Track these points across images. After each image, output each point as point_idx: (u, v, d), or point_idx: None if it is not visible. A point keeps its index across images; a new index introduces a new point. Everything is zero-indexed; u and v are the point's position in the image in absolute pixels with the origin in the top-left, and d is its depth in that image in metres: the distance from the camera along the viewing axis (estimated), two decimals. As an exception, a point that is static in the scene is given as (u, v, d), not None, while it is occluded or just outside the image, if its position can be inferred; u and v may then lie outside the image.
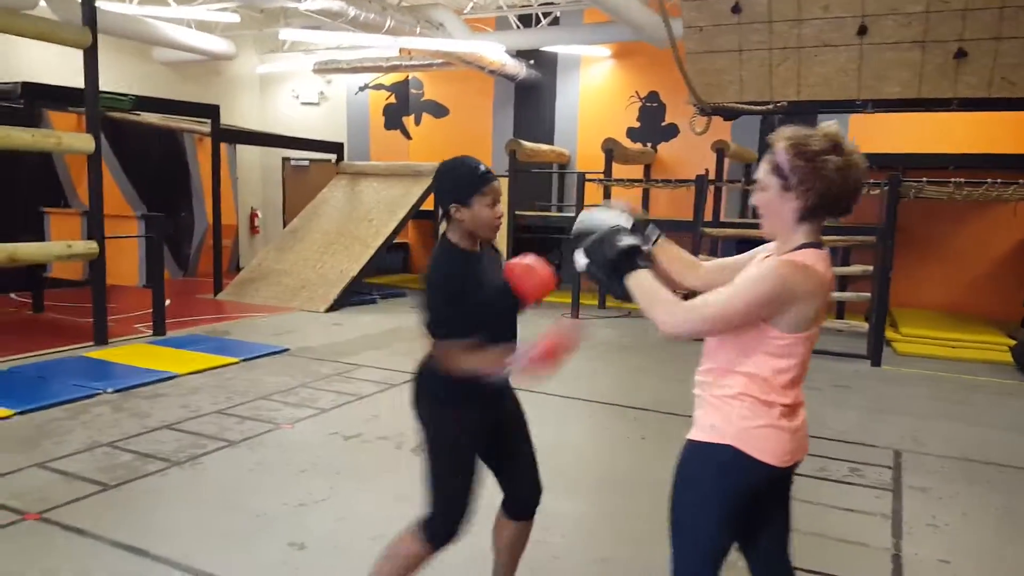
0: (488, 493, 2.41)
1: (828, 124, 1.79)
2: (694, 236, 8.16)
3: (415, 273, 12.76)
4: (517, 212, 10.21)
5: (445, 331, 2.15)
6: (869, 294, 7.23)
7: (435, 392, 2.27)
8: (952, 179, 6.50)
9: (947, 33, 4.89)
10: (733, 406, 1.80)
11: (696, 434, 1.87)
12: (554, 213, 11.70)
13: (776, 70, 5.45)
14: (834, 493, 3.84)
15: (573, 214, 11.59)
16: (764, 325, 1.75)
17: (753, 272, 1.78)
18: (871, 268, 7.27)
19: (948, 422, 5.17)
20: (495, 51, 10.64)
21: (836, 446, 4.53)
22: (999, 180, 7.31)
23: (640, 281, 1.81)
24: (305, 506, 3.48)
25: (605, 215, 1.99)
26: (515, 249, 10.28)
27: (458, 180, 2.17)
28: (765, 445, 1.78)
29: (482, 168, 2.18)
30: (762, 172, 1.83)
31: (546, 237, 11.32)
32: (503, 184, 10.59)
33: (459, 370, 2.12)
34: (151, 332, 7.22)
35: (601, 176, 9.65)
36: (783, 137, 1.79)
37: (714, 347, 1.87)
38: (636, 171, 11.14)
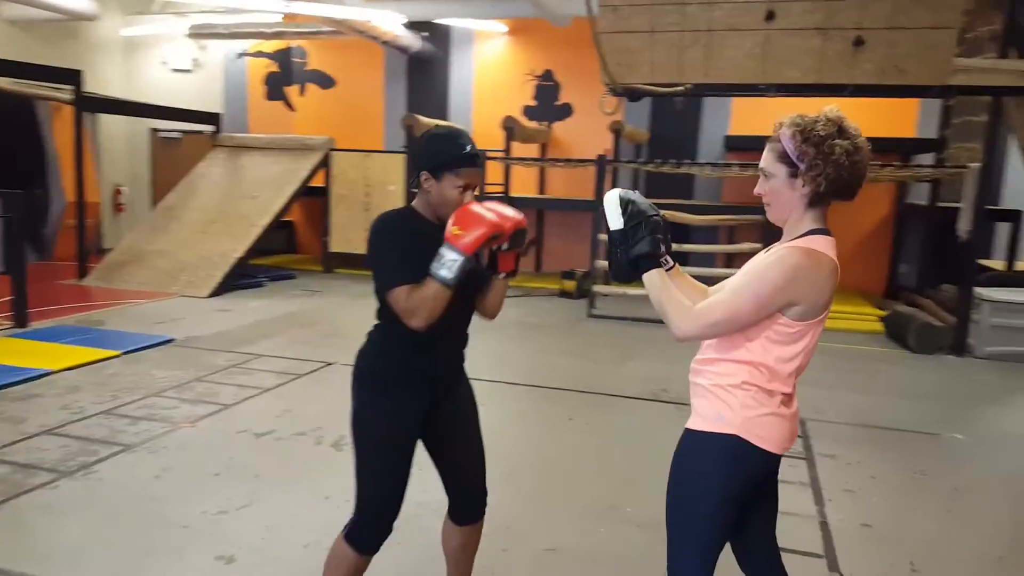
0: (435, 491, 2.28)
1: (829, 108, 1.75)
2: (594, 215, 8.24)
3: (303, 254, 12.20)
4: (414, 190, 9.94)
5: (395, 279, 1.96)
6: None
7: (363, 378, 2.14)
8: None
9: (847, 22, 5.12)
10: (737, 395, 1.76)
11: (699, 424, 1.82)
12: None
13: (687, 52, 5.52)
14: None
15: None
16: (774, 313, 1.71)
17: (758, 265, 1.74)
18: (759, 246, 7.63)
19: (841, 390, 5.48)
20: (390, 21, 10.22)
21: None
22: (876, 163, 7.86)
23: (654, 282, 1.78)
24: (227, 514, 3.19)
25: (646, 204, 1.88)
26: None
27: (438, 149, 2.03)
28: (768, 433, 1.76)
29: (468, 148, 2.02)
30: (767, 160, 1.79)
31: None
32: (398, 162, 10.24)
33: (425, 313, 1.93)
34: (12, 324, 6.46)
35: (501, 154, 9.53)
36: (788, 123, 1.75)
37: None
38: (532, 150, 11.11)
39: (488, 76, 11.61)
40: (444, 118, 11.39)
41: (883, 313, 8.01)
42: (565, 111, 11.29)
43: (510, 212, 2.03)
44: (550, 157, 10.76)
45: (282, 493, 3.43)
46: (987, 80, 5.26)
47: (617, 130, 9.24)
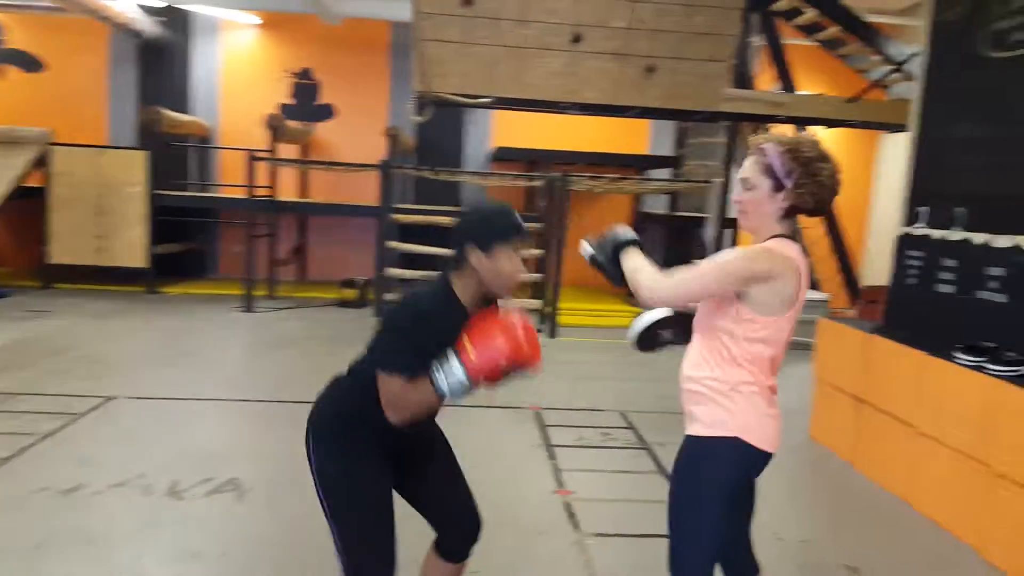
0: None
1: (808, 132, 1.98)
2: (380, 221, 8.09)
3: (7, 266, 10.17)
4: (157, 192, 8.87)
5: (398, 366, 1.82)
6: (541, 274, 8.08)
7: (326, 431, 1.97)
8: (604, 175, 7.61)
9: (641, 50, 5.67)
10: (735, 399, 1.89)
11: (700, 430, 1.92)
12: (198, 193, 10.44)
13: (499, 67, 5.68)
14: (604, 459, 4.25)
15: (219, 195, 10.50)
16: (745, 311, 1.85)
17: (730, 254, 1.90)
18: (540, 252, 8.13)
19: (640, 382, 6.06)
20: (124, 1, 8.96)
21: (576, 414, 5.01)
22: (620, 176, 8.83)
23: (631, 256, 2.01)
24: (80, 596, 2.61)
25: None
26: (158, 234, 8.95)
27: (488, 224, 1.90)
28: (764, 433, 1.92)
29: (519, 221, 1.93)
30: (750, 172, 1.93)
31: (188, 221, 10.05)
32: (139, 160, 9.02)
33: (408, 414, 1.84)
34: None
35: (268, 154, 8.90)
36: (772, 141, 1.92)
37: (705, 342, 1.94)
38: (294, 151, 10.53)
39: (238, 70, 10.74)
40: (184, 111, 10.32)
41: (639, 310, 8.99)
42: (326, 112, 10.87)
43: (535, 342, 1.91)
44: (316, 159, 10.29)
45: (138, 557, 2.89)
46: (747, 108, 6.22)
47: (394, 135, 9.15)
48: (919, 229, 4.31)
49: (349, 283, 8.90)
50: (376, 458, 1.95)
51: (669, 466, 4.09)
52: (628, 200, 11.00)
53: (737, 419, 1.89)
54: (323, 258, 10.87)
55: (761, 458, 1.93)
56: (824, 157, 1.90)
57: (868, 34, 6.49)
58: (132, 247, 8.92)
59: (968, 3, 4.07)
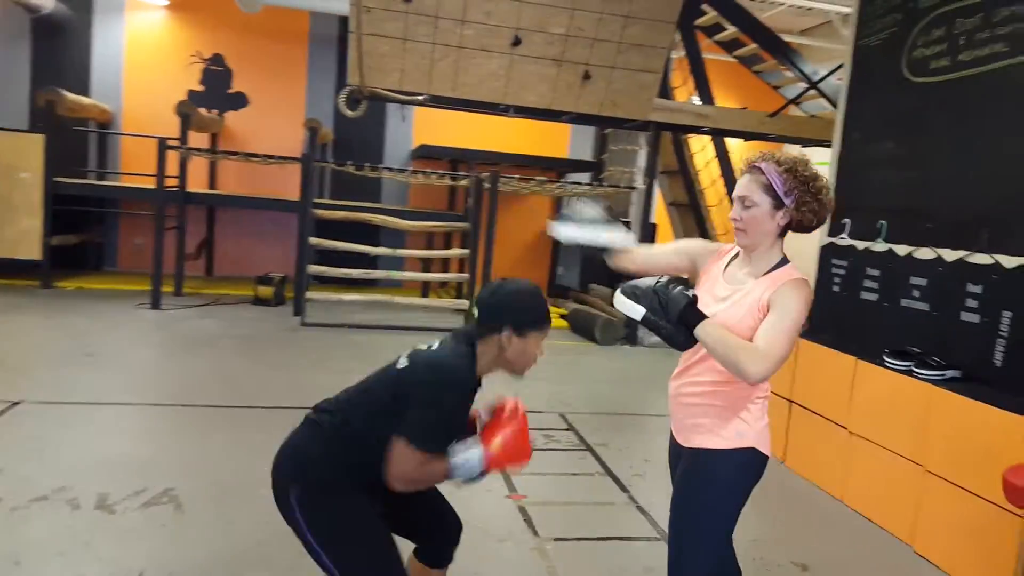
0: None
1: (800, 152, 2.05)
2: (301, 216, 7.83)
3: None
4: (56, 179, 8.26)
5: (425, 442, 1.79)
6: (468, 275, 8.06)
7: (311, 478, 1.88)
8: (528, 176, 7.67)
9: (579, 57, 5.74)
10: (752, 411, 1.96)
11: (720, 443, 1.95)
12: (97, 181, 9.77)
13: (437, 65, 5.60)
14: (550, 462, 4.28)
15: (119, 183, 9.85)
16: None
17: (787, 301, 1.87)
18: (467, 251, 8.11)
19: (575, 383, 6.13)
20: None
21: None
22: (543, 178, 8.94)
23: (711, 332, 1.80)
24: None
25: (598, 227, 2.14)
26: (54, 224, 8.33)
27: (527, 307, 1.96)
28: (768, 441, 2.00)
29: (548, 308, 2.00)
30: (751, 191, 1.95)
31: (88, 210, 9.41)
32: (36, 143, 8.39)
33: (414, 487, 1.88)
34: None
35: (177, 143, 8.43)
36: (768, 160, 1.98)
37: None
38: (203, 139, 10.04)
39: (144, 53, 10.13)
40: (85, 93, 9.65)
41: (563, 311, 9.14)
42: (239, 100, 10.43)
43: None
44: (227, 150, 9.84)
45: (76, 579, 2.68)
46: (676, 119, 6.42)
47: (314, 128, 8.87)
48: (843, 240, 4.59)
49: (265, 280, 8.57)
50: (367, 499, 1.90)
51: (613, 467, 4.16)
52: (548, 202, 11.14)
53: (754, 430, 1.96)
54: (232, 253, 10.42)
55: (765, 463, 2.01)
56: (818, 176, 1.97)
57: (783, 52, 6.83)
58: (25, 238, 8.25)
59: (890, 31, 4.36)
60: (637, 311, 1.82)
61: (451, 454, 1.83)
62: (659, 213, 8.85)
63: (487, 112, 6.28)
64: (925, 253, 3.91)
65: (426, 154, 10.25)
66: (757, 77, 7.98)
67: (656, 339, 7.76)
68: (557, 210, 11.15)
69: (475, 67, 5.65)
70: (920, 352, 3.66)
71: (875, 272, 4.30)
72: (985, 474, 3.10)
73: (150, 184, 8.26)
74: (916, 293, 3.96)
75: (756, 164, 1.99)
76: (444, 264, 10.36)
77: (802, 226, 1.99)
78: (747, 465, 1.96)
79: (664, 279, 1.85)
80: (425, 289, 9.64)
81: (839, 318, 4.55)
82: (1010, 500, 2.75)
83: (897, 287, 4.08)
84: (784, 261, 2.00)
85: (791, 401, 4.48)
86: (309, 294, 7.64)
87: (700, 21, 7.25)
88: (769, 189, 1.94)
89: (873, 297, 4.29)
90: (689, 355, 2.06)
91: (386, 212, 8.33)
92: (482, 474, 1.87)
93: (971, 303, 3.59)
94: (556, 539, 3.27)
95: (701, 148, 8.68)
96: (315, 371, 5.88)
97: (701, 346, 2.01)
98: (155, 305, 7.84)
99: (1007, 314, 3.42)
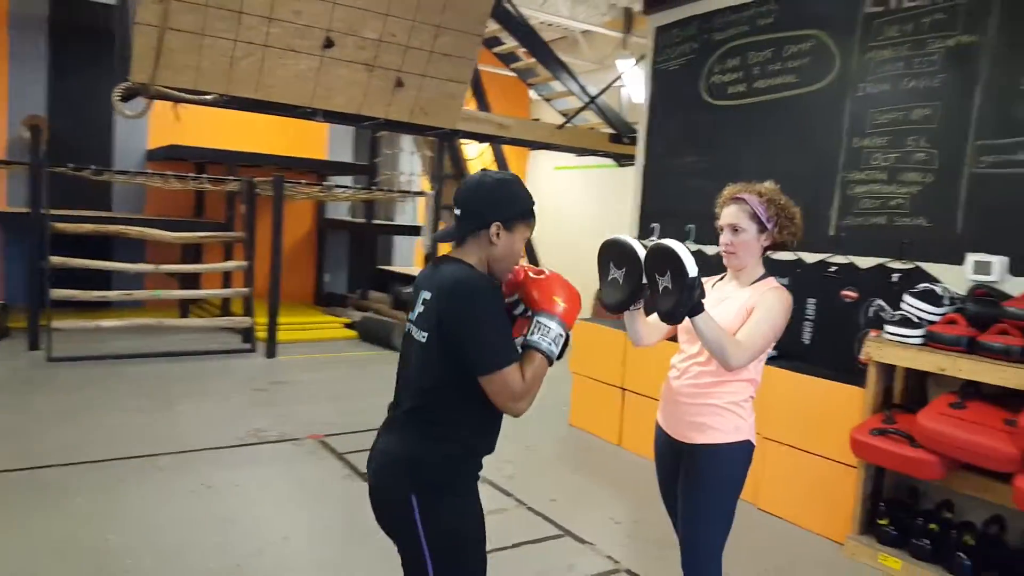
0: None
1: (770, 182, 2.32)
2: (37, 231, 6.57)
3: None
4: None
5: (509, 355, 1.67)
6: (248, 289, 7.44)
7: (440, 483, 1.74)
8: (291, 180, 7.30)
9: (391, 63, 5.58)
10: (745, 407, 2.20)
11: (720, 438, 2.16)
12: None
13: (239, 64, 5.06)
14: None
15: None
16: None
17: (769, 304, 2.14)
18: (244, 263, 7.49)
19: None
20: None
21: (364, 436, 4.79)
22: (305, 181, 8.58)
23: (708, 321, 2.01)
24: None
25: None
26: None
27: (515, 196, 1.78)
28: (754, 433, 2.26)
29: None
30: (739, 219, 2.21)
31: None
32: None
33: (534, 394, 1.71)
34: None
35: None
36: (749, 191, 2.25)
37: (712, 360, 2.18)
38: None
39: None
40: None
41: (347, 320, 8.84)
42: (-90, 90, 8.35)
43: None
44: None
45: None
46: (479, 128, 6.55)
47: (35, 127, 7.44)
48: (653, 241, 5.14)
49: (-19, 310, 7.03)
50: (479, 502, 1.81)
51: (485, 473, 4.22)
52: (311, 206, 10.65)
53: (747, 424, 2.20)
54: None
55: (753, 452, 2.25)
56: (791, 203, 2.27)
57: (557, 68, 7.38)
58: None
59: (688, 58, 4.98)
60: (693, 268, 1.92)
61: (534, 344, 1.70)
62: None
63: (290, 115, 5.84)
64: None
65: (170, 155, 9.14)
66: (532, 90, 8.45)
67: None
68: (320, 214, 10.72)
69: (282, 68, 5.23)
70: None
71: (688, 270, 4.89)
72: (818, 436, 3.76)
73: None
74: (729, 287, 4.60)
75: (740, 196, 2.25)
76: (195, 279, 9.31)
77: (781, 245, 2.28)
78: (746, 455, 2.20)
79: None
80: (184, 308, 8.66)
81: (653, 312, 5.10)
82: (857, 454, 3.40)
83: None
84: (767, 274, 2.28)
85: (623, 389, 4.92)
86: (61, 323, 6.45)
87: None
88: (754, 217, 2.21)
89: (688, 291, 4.88)
90: (683, 358, 2.28)
91: (122, 222, 7.31)
92: (569, 332, 1.76)
93: (782, 293, 4.29)
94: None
95: (479, 155, 8.99)
96: (58, 418, 4.97)
97: (693, 351, 2.23)
98: None
99: (811, 301, 4.16)
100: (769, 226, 2.22)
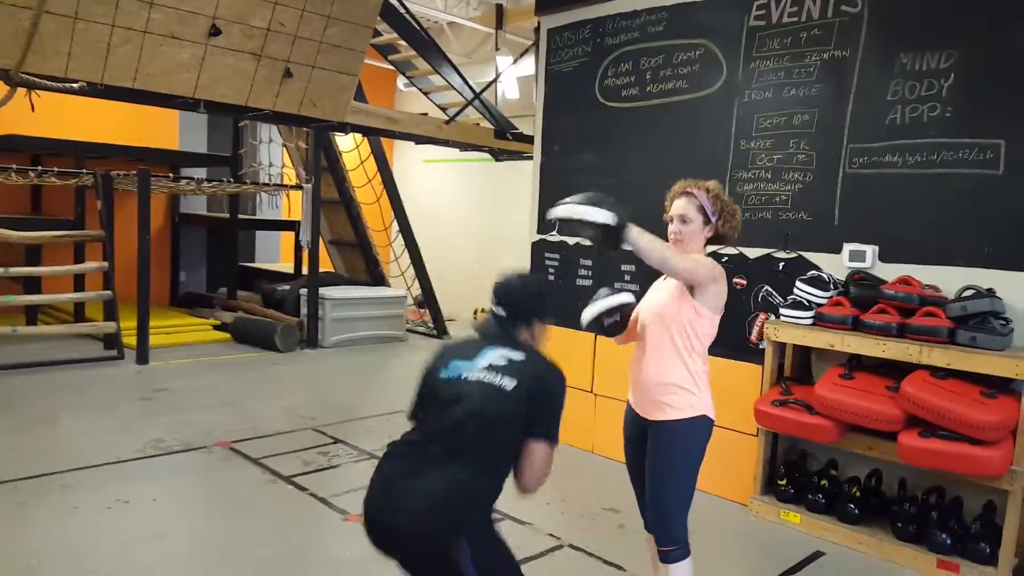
0: None
1: (714, 182, 2.58)
2: None
3: None
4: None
5: (557, 440, 2.01)
6: (110, 292, 6.89)
7: (481, 526, 1.92)
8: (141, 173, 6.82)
9: (279, 53, 5.34)
10: (699, 384, 2.44)
11: (677, 414, 2.40)
12: None
13: (116, 51, 4.65)
14: (351, 476, 4.13)
15: None
16: (702, 308, 2.40)
17: (696, 257, 2.44)
18: (105, 264, 6.93)
19: (290, 398, 5.82)
20: None
21: (273, 441, 4.67)
22: (159, 174, 8.06)
23: (644, 234, 2.23)
24: None
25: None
26: None
27: (545, 300, 2.21)
28: (712, 408, 2.51)
29: None
30: (687, 210, 2.48)
31: None
32: None
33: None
34: None
35: None
36: (698, 187, 2.50)
37: (674, 341, 2.41)
38: None
39: None
40: None
41: (214, 321, 8.38)
42: None
43: None
44: None
45: None
46: (369, 122, 6.42)
47: None
48: (554, 236, 5.37)
49: None
50: None
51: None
52: (164, 200, 9.93)
53: (703, 400, 2.44)
54: None
55: (712, 426, 2.50)
56: (733, 201, 2.56)
57: (440, 62, 7.40)
58: None
59: (581, 61, 5.22)
60: (607, 215, 2.15)
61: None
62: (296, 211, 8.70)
63: (169, 106, 5.45)
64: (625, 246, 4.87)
65: (6, 146, 8.21)
66: (409, 82, 8.38)
67: (337, 337, 7.91)
68: (174, 209, 10.00)
69: (163, 56, 4.88)
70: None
71: (587, 263, 5.17)
72: (720, 409, 4.10)
73: None
74: (627, 277, 4.92)
75: (689, 190, 2.51)
76: (37, 283, 8.42)
77: (722, 238, 2.55)
78: (702, 428, 2.45)
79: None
80: (32, 316, 7.83)
81: (561, 303, 5.33)
82: (761, 423, 3.80)
83: (609, 274, 4.98)
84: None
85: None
86: None
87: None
88: (701, 209, 2.48)
89: (587, 283, 5.16)
90: (642, 347, 2.51)
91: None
92: None
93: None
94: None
95: (354, 147, 8.79)
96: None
97: (651, 339, 2.44)
98: None
99: (706, 288, 4.55)
100: (714, 219, 2.49)
